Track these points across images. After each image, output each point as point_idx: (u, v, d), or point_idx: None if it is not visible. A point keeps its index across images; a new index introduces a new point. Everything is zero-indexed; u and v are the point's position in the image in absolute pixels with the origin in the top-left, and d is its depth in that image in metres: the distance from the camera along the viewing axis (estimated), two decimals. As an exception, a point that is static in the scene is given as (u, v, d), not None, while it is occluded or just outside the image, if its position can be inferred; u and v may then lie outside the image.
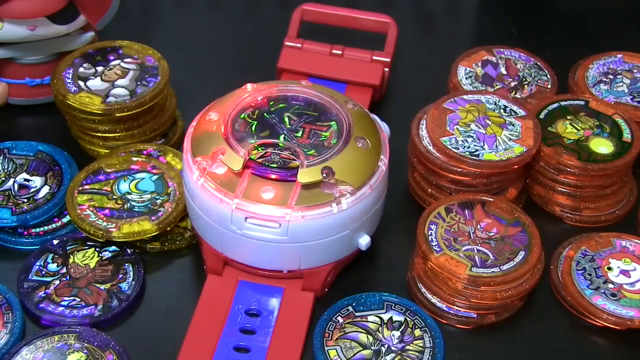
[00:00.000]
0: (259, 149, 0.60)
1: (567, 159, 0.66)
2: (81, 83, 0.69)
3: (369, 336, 0.59)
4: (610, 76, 0.74)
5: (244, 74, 0.76)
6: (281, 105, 0.63)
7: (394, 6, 0.86)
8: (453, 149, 0.65)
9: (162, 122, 0.71)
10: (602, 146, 0.67)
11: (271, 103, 0.63)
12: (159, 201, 0.65)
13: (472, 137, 0.66)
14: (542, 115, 0.69)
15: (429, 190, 0.67)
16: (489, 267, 0.60)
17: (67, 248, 0.64)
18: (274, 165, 0.59)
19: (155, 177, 0.67)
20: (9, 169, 0.67)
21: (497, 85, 0.73)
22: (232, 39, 0.82)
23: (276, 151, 0.60)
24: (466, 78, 0.73)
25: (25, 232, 0.65)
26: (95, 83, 0.69)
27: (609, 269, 0.63)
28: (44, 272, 0.63)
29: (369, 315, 0.60)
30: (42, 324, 0.60)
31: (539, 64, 0.75)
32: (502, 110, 0.68)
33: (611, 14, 0.86)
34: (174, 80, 0.72)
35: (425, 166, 0.66)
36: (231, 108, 0.62)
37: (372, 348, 0.59)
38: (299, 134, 0.61)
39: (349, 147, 0.60)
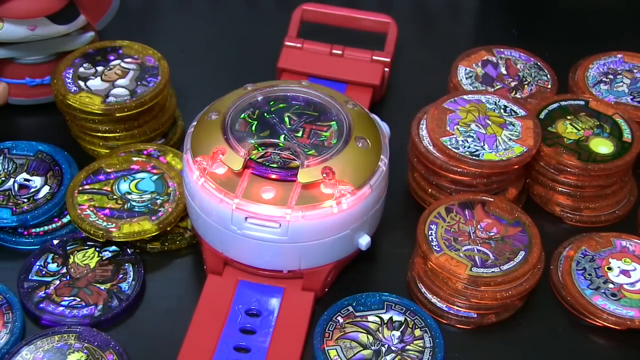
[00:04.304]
0: (259, 148, 0.60)
1: (567, 159, 0.66)
2: (81, 83, 0.69)
3: (369, 336, 0.59)
4: (610, 76, 0.74)
5: (244, 74, 0.76)
6: (281, 105, 0.63)
7: (394, 6, 0.86)
8: (453, 149, 0.65)
9: (162, 122, 0.71)
10: (602, 146, 0.67)
11: (271, 103, 0.63)
12: (159, 201, 0.65)
13: (472, 137, 0.66)
14: (542, 115, 0.69)
15: (429, 190, 0.67)
16: (489, 267, 0.60)
17: (67, 248, 0.64)
18: (274, 165, 0.59)
19: (156, 177, 0.67)
20: (9, 169, 0.67)
21: (497, 85, 0.73)
22: (232, 39, 0.82)
23: (276, 151, 0.60)
24: (466, 78, 0.73)
25: (25, 232, 0.65)
26: (95, 83, 0.69)
27: (609, 269, 0.63)
28: (44, 272, 0.63)
29: (369, 315, 0.60)
30: (42, 324, 0.60)
31: (539, 64, 0.75)
32: (502, 110, 0.68)
33: (611, 14, 0.86)
34: (174, 80, 0.72)
35: (425, 166, 0.66)
36: (231, 108, 0.62)
37: (372, 348, 0.59)
38: (299, 134, 0.61)
39: (349, 147, 0.60)
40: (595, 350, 0.61)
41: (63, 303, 0.61)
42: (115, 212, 0.64)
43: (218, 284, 0.62)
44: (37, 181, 0.66)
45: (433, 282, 0.61)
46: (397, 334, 0.59)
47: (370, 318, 0.60)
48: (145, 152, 0.69)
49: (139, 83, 0.69)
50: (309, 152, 0.59)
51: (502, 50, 0.76)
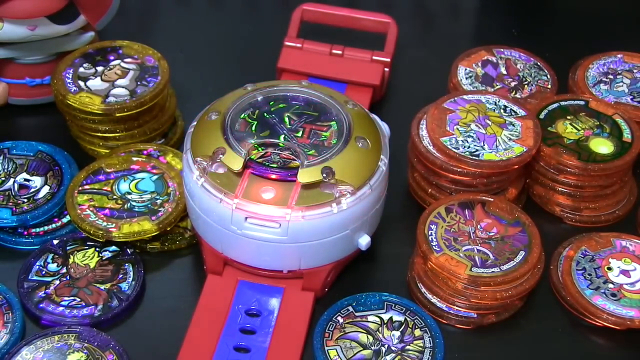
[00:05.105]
0: (259, 148, 0.60)
1: (567, 159, 0.66)
2: (81, 83, 0.69)
3: (369, 336, 0.59)
4: (610, 76, 0.74)
5: (244, 74, 0.76)
6: (281, 105, 0.63)
7: (394, 6, 0.86)
8: (453, 149, 0.65)
9: (162, 122, 0.71)
10: (602, 146, 0.67)
11: (271, 103, 0.63)
12: (159, 201, 0.65)
13: (472, 137, 0.66)
14: (542, 115, 0.69)
15: (429, 190, 0.67)
16: (489, 267, 0.60)
17: (67, 248, 0.64)
18: (274, 165, 0.59)
19: (155, 177, 0.67)
20: (9, 169, 0.67)
21: (497, 85, 0.73)
22: (232, 39, 0.82)
23: (276, 151, 0.60)
24: (466, 78, 0.73)
25: (25, 232, 0.65)
26: (95, 83, 0.69)
27: (609, 269, 0.63)
28: (44, 272, 0.63)
29: (369, 315, 0.60)
30: (42, 324, 0.60)
31: (539, 64, 0.75)
32: (502, 110, 0.68)
33: (611, 14, 0.86)
34: (174, 80, 0.72)
35: (425, 166, 0.66)
36: (231, 108, 0.62)
37: (372, 348, 0.59)
38: (299, 134, 0.61)
39: (349, 147, 0.60)
40: (595, 350, 0.61)
41: (63, 303, 0.61)
42: (115, 212, 0.64)
43: (218, 284, 0.62)
44: (37, 181, 0.66)
45: (433, 282, 0.61)
46: (397, 334, 0.59)
47: (370, 318, 0.60)
48: (145, 152, 0.69)
49: (139, 83, 0.69)
50: (309, 152, 0.59)
51: (502, 50, 0.76)
